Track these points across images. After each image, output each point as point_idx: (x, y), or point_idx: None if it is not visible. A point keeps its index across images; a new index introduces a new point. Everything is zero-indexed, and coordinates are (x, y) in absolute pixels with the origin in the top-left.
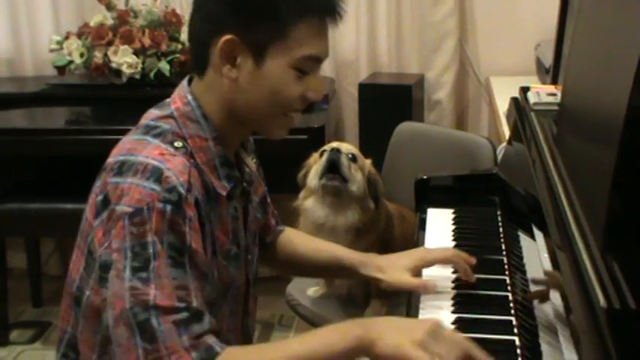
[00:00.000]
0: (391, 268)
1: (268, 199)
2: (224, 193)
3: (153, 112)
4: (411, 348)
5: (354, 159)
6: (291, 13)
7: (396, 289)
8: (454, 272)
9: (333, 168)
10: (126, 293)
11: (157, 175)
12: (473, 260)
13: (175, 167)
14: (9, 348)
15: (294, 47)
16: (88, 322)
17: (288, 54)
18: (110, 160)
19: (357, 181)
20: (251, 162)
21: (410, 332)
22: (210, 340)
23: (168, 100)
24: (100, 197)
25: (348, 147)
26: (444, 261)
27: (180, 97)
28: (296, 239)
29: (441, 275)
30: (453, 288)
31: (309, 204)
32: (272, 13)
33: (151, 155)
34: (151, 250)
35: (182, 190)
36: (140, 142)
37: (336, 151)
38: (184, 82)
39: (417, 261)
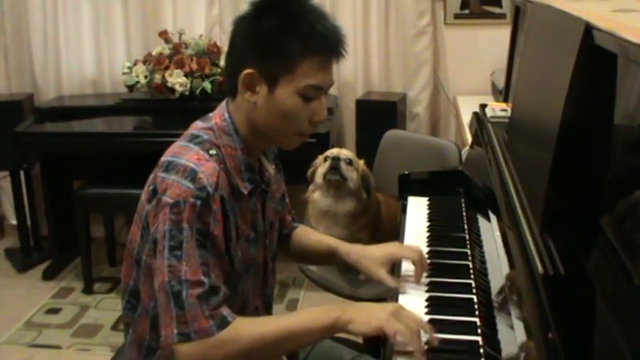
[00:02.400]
0: (368, 260)
1: (287, 199)
2: (245, 192)
3: (198, 124)
4: (379, 322)
5: (350, 162)
6: (298, 52)
7: (371, 279)
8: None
9: (334, 170)
10: (165, 269)
11: (193, 175)
12: (426, 266)
13: (207, 170)
14: (93, 296)
15: (300, 78)
16: (147, 278)
17: (295, 84)
18: (162, 159)
19: (353, 179)
20: (270, 167)
21: (377, 313)
22: (225, 311)
23: (210, 114)
24: (151, 187)
25: (345, 153)
26: (409, 257)
27: (220, 114)
28: (305, 234)
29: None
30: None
31: (316, 196)
32: (282, 51)
33: (190, 159)
34: (184, 234)
35: (210, 189)
36: (184, 148)
37: (337, 159)
38: (224, 102)
39: (389, 256)
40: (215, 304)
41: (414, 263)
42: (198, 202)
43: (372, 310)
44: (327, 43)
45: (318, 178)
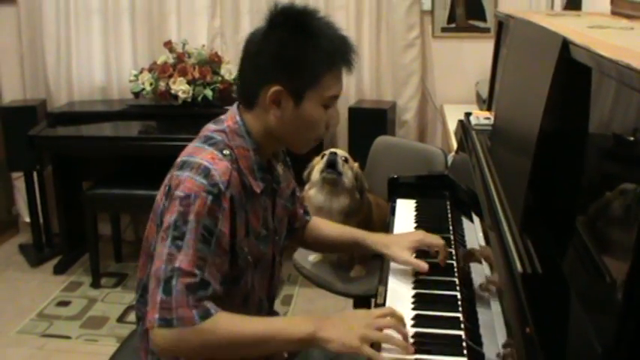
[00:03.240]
0: (394, 246)
1: (297, 193)
2: (258, 191)
3: (211, 126)
4: (356, 343)
5: (346, 160)
6: (323, 66)
7: (399, 264)
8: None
9: (331, 166)
10: (164, 256)
11: (206, 172)
12: (447, 255)
13: (220, 169)
14: (100, 290)
15: (325, 90)
16: None
17: (320, 95)
18: (178, 160)
19: (348, 176)
20: (279, 168)
21: (353, 330)
22: (209, 304)
23: (222, 117)
24: (167, 187)
25: (342, 152)
26: (435, 246)
27: (232, 117)
28: (322, 225)
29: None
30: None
31: (313, 192)
32: (310, 69)
33: (204, 158)
34: (188, 226)
35: (222, 187)
36: (199, 149)
37: (334, 154)
38: (235, 106)
39: (416, 242)
40: (201, 297)
41: (436, 253)
42: (210, 198)
43: (348, 328)
44: (344, 56)
45: (315, 174)
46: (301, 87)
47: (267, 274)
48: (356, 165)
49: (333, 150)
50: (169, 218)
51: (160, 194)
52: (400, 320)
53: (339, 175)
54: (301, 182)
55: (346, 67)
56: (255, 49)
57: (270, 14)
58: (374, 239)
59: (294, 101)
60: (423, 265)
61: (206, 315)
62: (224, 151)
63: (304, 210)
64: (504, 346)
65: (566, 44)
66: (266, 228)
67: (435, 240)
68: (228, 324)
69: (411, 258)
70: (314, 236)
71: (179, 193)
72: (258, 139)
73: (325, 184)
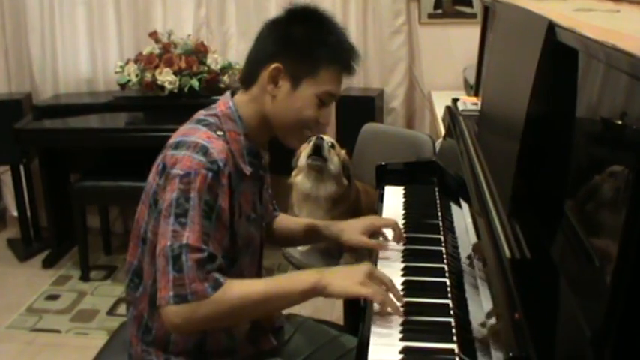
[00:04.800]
0: (347, 232)
1: (269, 190)
2: (248, 174)
3: (202, 112)
4: (356, 286)
5: (332, 146)
6: (324, 59)
7: (354, 247)
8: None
9: (317, 151)
10: (169, 234)
11: (204, 150)
12: (402, 233)
13: (217, 147)
14: (89, 283)
15: (321, 83)
16: (149, 257)
17: (316, 87)
18: (170, 141)
19: (334, 162)
20: (265, 155)
21: (353, 276)
22: (217, 275)
23: (214, 105)
24: (160, 165)
25: (328, 138)
26: (387, 226)
27: (224, 102)
28: (286, 219)
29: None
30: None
31: (299, 179)
32: (311, 56)
33: (201, 137)
34: (191, 203)
35: (220, 164)
36: (193, 129)
37: (320, 139)
38: (228, 93)
39: (369, 226)
40: (210, 269)
41: (392, 231)
42: (210, 174)
43: (348, 275)
44: (348, 58)
45: (302, 160)
46: (300, 72)
47: (255, 260)
48: (343, 152)
49: (320, 135)
50: (170, 196)
51: (152, 175)
52: (394, 289)
53: (325, 162)
54: (290, 170)
55: (346, 71)
56: (266, 32)
57: (290, 7)
58: (331, 228)
59: (292, 84)
60: (377, 243)
61: (217, 286)
62: (217, 132)
63: (273, 207)
64: (493, 331)
65: (552, 27)
66: (255, 211)
67: (386, 221)
68: (237, 288)
69: (366, 239)
70: (280, 231)
71: (177, 171)
72: (249, 124)
73: (312, 170)
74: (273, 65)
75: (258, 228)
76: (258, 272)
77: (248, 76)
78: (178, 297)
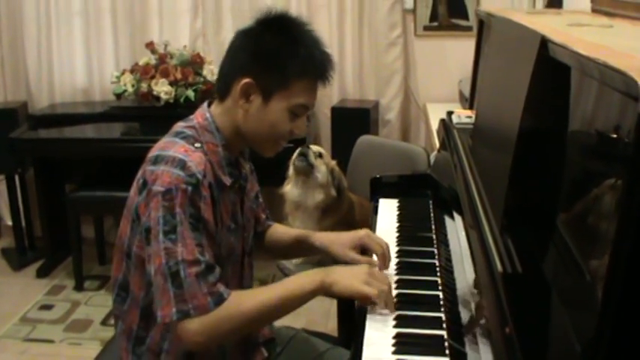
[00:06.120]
0: (335, 244)
1: (260, 198)
2: (228, 184)
3: (180, 124)
4: (361, 285)
5: (320, 155)
6: (296, 73)
7: (342, 261)
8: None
9: (302, 157)
10: (162, 252)
11: (182, 164)
12: (389, 260)
13: (195, 159)
14: (83, 293)
15: (293, 96)
16: (137, 270)
17: (288, 100)
18: (149, 154)
19: (321, 170)
20: (246, 166)
21: (357, 276)
22: (221, 288)
23: (191, 116)
24: (140, 180)
25: (317, 148)
26: (375, 251)
27: (201, 114)
28: (279, 229)
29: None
30: (397, 260)
31: (288, 187)
32: (282, 69)
33: (178, 151)
34: (177, 219)
35: (199, 176)
36: (170, 142)
37: (306, 147)
38: (205, 104)
39: (358, 240)
40: (212, 281)
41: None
42: (190, 188)
43: (352, 275)
44: (321, 69)
45: (290, 167)
46: (271, 86)
47: (236, 271)
48: (333, 162)
49: (307, 145)
50: (155, 214)
51: (133, 189)
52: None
53: (311, 167)
54: (280, 183)
55: (321, 81)
56: (238, 43)
57: (261, 16)
58: (319, 238)
59: (263, 98)
60: (366, 260)
61: (220, 301)
62: (195, 144)
63: (266, 216)
64: (485, 345)
65: (544, 42)
66: (235, 222)
67: (375, 245)
68: (249, 300)
69: (352, 255)
70: (272, 241)
71: (158, 187)
72: (226, 136)
73: (299, 176)
74: (244, 80)
75: (239, 238)
76: (239, 283)
77: (222, 88)
78: (180, 312)
